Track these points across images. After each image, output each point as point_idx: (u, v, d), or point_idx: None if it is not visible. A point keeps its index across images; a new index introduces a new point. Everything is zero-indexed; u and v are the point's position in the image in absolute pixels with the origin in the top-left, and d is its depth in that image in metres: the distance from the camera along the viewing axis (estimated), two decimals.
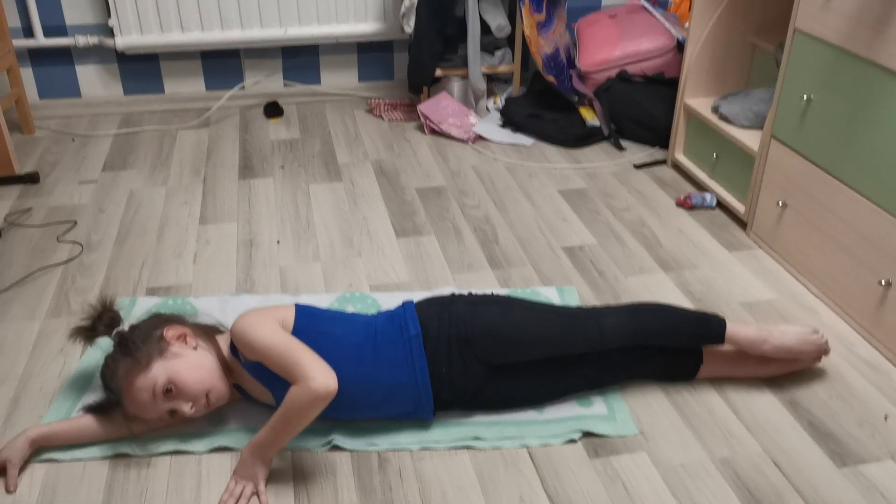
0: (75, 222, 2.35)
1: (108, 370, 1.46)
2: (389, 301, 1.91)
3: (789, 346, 1.64)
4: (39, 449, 1.49)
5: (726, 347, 1.66)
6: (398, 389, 1.49)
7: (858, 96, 1.80)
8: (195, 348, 1.48)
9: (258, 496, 1.40)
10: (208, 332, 1.56)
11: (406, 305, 1.58)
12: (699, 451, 1.52)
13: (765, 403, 1.64)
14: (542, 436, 1.54)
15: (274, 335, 1.42)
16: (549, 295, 1.98)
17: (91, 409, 1.50)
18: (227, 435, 1.52)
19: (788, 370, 1.69)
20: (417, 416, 1.54)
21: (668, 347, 1.67)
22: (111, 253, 2.19)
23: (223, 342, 1.54)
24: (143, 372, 1.42)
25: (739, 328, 1.64)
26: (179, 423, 1.51)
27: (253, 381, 1.50)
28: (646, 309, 1.65)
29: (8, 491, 1.41)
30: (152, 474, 1.46)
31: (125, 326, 1.53)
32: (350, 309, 1.90)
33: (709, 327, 1.63)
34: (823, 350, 1.68)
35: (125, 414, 1.46)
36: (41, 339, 1.82)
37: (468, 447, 1.52)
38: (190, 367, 1.44)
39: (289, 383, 1.39)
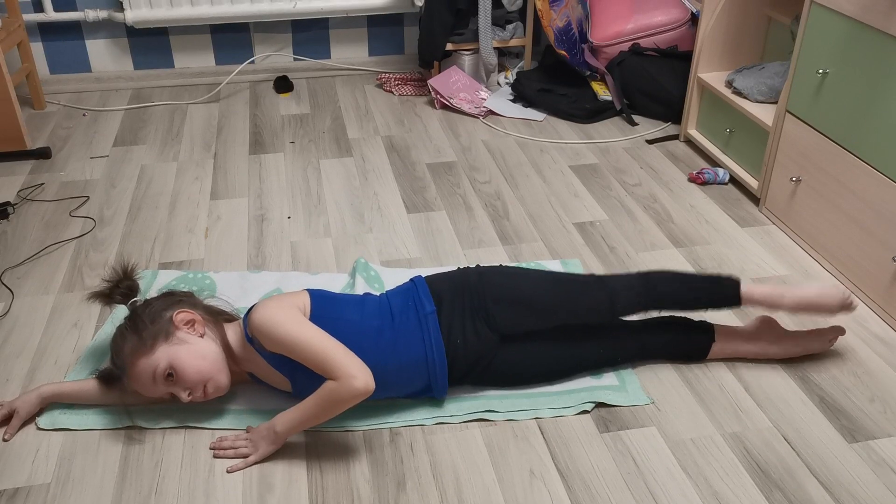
0: (87, 197, 2.36)
1: (116, 345, 1.47)
2: (394, 276, 1.91)
3: (809, 298, 1.59)
4: (50, 408, 1.53)
5: (745, 316, 1.65)
6: (415, 368, 1.50)
7: (875, 70, 1.78)
8: (202, 336, 1.48)
9: (241, 462, 1.43)
10: (218, 319, 1.55)
11: (416, 281, 1.58)
12: (709, 426, 1.52)
13: (775, 379, 1.64)
14: (554, 407, 1.55)
15: (303, 330, 1.41)
16: (553, 268, 1.98)
17: (99, 375, 1.53)
18: (236, 416, 1.54)
19: (803, 352, 1.67)
20: (430, 395, 1.55)
21: (680, 323, 1.67)
22: (123, 228, 2.20)
23: (233, 330, 1.53)
24: (147, 354, 1.43)
25: (755, 286, 1.62)
26: (180, 403, 1.51)
27: (269, 371, 1.50)
28: (657, 272, 1.64)
29: (3, 439, 1.48)
30: (167, 446, 1.48)
31: (142, 297, 1.54)
32: (360, 282, 1.90)
33: (722, 288, 1.61)
34: (847, 303, 1.61)
35: (127, 387, 1.48)
36: (55, 314, 1.84)
37: (481, 420, 1.53)
38: (192, 355, 1.44)
39: (310, 373, 1.40)
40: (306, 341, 1.39)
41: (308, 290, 1.53)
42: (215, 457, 1.45)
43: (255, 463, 1.43)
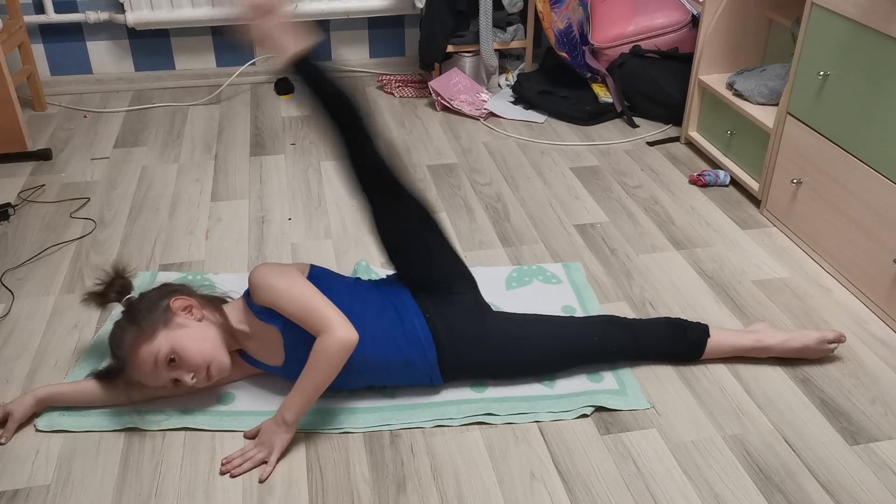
0: (88, 199, 2.36)
1: (115, 338, 1.49)
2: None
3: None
4: (48, 410, 1.53)
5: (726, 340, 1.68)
6: (403, 340, 1.51)
7: (876, 72, 1.78)
8: (200, 320, 1.50)
9: (267, 465, 1.42)
10: (214, 303, 1.58)
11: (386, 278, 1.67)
12: (710, 428, 1.52)
13: (776, 380, 1.64)
14: (553, 410, 1.55)
15: (297, 283, 1.48)
16: (555, 271, 1.98)
17: (96, 375, 1.54)
18: (235, 417, 1.53)
19: (798, 351, 1.66)
20: (428, 381, 1.56)
21: (674, 322, 1.69)
22: (124, 229, 2.20)
23: (231, 308, 1.57)
24: (148, 341, 1.44)
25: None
26: (182, 392, 1.53)
27: (260, 339, 1.52)
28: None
29: (0, 442, 1.48)
30: (167, 448, 1.48)
31: (135, 294, 1.55)
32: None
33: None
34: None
35: (129, 380, 1.49)
36: (56, 315, 1.84)
37: (481, 423, 1.53)
38: (193, 338, 1.46)
39: (301, 330, 1.44)
40: (298, 293, 1.46)
41: (311, 264, 1.60)
42: (232, 476, 1.41)
43: (280, 459, 1.43)
